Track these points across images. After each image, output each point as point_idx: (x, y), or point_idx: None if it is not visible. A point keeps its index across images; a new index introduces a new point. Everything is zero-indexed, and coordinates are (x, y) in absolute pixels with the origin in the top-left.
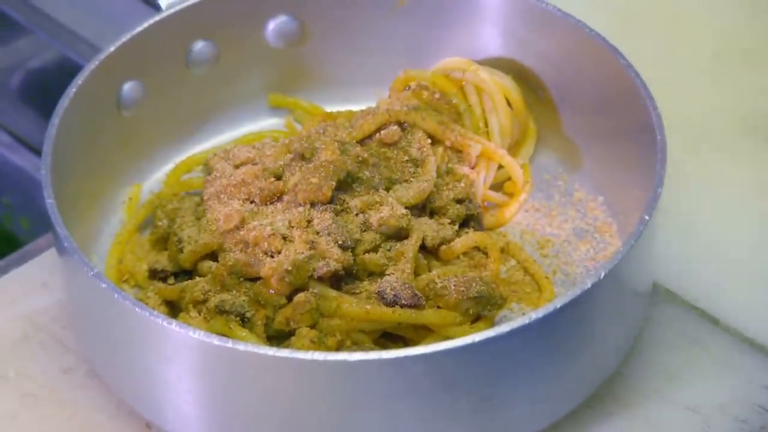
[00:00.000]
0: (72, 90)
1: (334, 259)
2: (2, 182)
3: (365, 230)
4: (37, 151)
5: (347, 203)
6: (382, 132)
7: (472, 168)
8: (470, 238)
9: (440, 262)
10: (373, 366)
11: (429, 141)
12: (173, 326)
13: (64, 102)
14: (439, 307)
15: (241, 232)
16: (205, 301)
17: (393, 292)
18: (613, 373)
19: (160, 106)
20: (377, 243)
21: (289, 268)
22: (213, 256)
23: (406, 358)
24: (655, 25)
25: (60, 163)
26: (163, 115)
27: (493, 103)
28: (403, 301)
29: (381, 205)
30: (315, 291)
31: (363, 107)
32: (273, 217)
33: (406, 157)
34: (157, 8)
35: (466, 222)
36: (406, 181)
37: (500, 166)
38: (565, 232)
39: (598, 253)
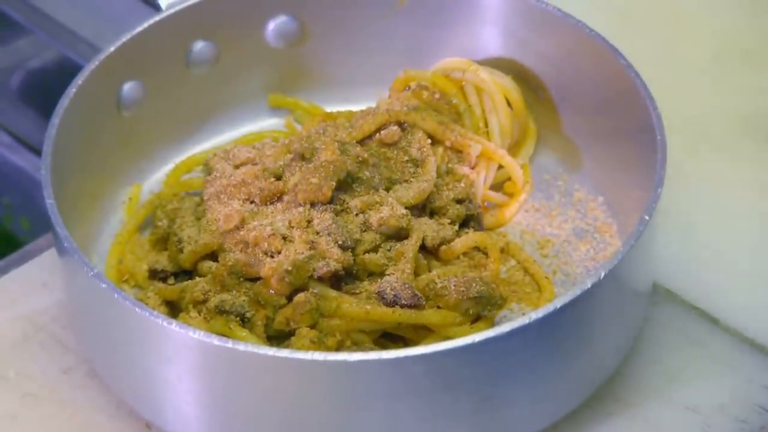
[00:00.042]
0: (72, 90)
1: (334, 259)
2: (2, 182)
3: (365, 230)
4: (37, 151)
5: (347, 203)
6: (382, 132)
7: (472, 168)
8: (470, 238)
9: (440, 262)
10: (373, 366)
11: (429, 141)
12: (173, 326)
13: (64, 102)
14: (439, 307)
15: (241, 232)
16: (205, 302)
17: (393, 292)
18: (613, 373)
19: (160, 106)
20: (377, 243)
21: (289, 268)
22: (213, 256)
23: (406, 358)
24: (655, 26)
25: (60, 163)
26: (163, 115)
27: (493, 103)
28: (403, 301)
29: (381, 205)
30: (315, 291)
31: (363, 107)
32: (273, 217)
33: (406, 157)
34: (157, 8)
35: (466, 222)
36: (406, 181)
37: (500, 166)
38: (565, 232)
39: (598, 253)
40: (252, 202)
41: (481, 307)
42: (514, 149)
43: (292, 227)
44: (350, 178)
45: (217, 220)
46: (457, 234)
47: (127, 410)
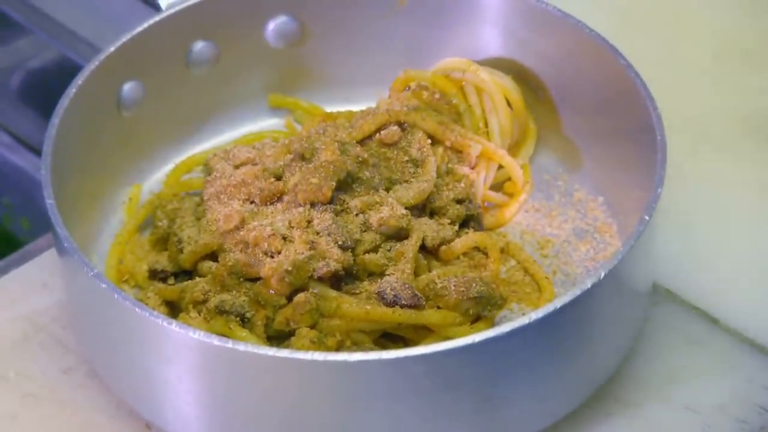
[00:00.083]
0: (72, 90)
1: (334, 260)
2: (2, 182)
3: (365, 230)
4: (37, 151)
5: (347, 203)
6: (382, 132)
7: (472, 168)
8: (470, 238)
9: (440, 262)
10: (373, 366)
11: (429, 141)
12: (173, 326)
13: (64, 102)
14: (439, 308)
15: (241, 233)
16: (205, 302)
17: (393, 293)
18: (613, 373)
19: (160, 106)
20: (377, 243)
21: (289, 269)
22: (213, 256)
23: (407, 358)
24: (655, 26)
25: (60, 163)
26: (163, 115)
27: (493, 104)
28: (403, 302)
29: (381, 206)
30: (315, 291)
31: (363, 107)
32: (273, 217)
33: (406, 158)
34: (157, 8)
35: (466, 222)
36: (406, 181)
37: (500, 167)
38: (565, 233)
39: (598, 253)
40: (252, 203)
41: (481, 307)
42: (514, 149)
43: (292, 227)
44: (350, 178)
45: (217, 220)
46: (457, 234)
47: (127, 410)
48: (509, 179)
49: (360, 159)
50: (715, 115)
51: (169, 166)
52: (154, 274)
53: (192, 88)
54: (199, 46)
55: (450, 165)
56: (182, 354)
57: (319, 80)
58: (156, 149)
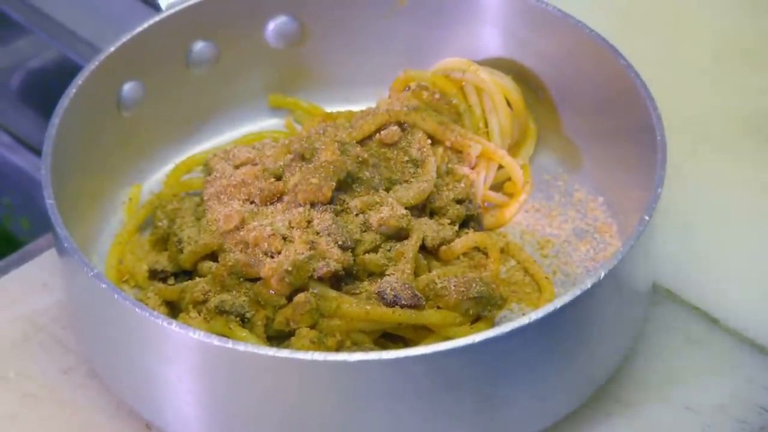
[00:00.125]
0: (72, 90)
1: (334, 260)
2: (2, 182)
3: (365, 230)
4: (37, 151)
5: (347, 203)
6: (382, 132)
7: (472, 168)
8: (470, 238)
9: (440, 262)
10: (373, 366)
11: (429, 141)
12: (173, 327)
13: (64, 102)
14: (439, 308)
15: (241, 233)
16: (205, 302)
17: (393, 293)
18: (613, 373)
19: (160, 106)
20: (377, 243)
21: (289, 269)
22: (213, 256)
23: (407, 358)
24: (655, 26)
25: (60, 163)
26: (163, 115)
27: (493, 104)
28: (403, 302)
29: (381, 206)
30: (315, 291)
31: (363, 107)
32: (273, 217)
33: (406, 158)
34: (157, 8)
35: (466, 222)
36: (406, 181)
37: (500, 167)
38: (565, 233)
39: (598, 253)
40: (252, 203)
41: (481, 308)
42: (514, 149)
43: (292, 227)
44: (350, 178)
45: (217, 220)
46: (457, 234)
47: (127, 410)
48: (509, 179)
49: (360, 159)
50: (715, 115)
51: (169, 166)
52: (154, 274)
53: (192, 88)
54: (199, 46)
55: (450, 165)
56: (182, 354)
57: (319, 80)
58: (156, 149)
